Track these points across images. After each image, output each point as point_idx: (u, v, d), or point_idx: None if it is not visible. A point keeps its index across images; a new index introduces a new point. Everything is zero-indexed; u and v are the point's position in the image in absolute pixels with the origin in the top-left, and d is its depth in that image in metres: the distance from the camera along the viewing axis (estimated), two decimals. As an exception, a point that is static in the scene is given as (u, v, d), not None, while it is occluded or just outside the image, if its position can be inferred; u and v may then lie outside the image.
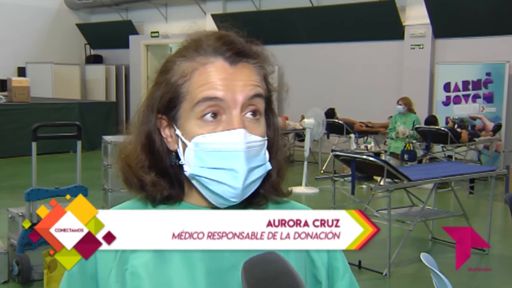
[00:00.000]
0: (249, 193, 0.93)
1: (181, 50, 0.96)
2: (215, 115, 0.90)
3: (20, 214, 4.22)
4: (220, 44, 0.92)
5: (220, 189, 0.90)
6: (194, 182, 0.93)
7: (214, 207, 0.95)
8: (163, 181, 0.95)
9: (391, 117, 8.75)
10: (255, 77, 0.93)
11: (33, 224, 3.70)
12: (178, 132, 0.93)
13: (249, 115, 0.92)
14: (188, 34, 0.97)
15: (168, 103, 0.93)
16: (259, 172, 0.92)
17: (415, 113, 8.34)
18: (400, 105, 8.23)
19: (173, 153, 0.96)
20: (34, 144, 4.26)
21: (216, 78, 0.90)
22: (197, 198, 0.96)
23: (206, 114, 0.90)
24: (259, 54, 0.95)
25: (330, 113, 9.95)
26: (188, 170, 0.92)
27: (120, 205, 1.01)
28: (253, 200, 0.97)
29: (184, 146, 0.92)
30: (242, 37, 0.95)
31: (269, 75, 0.97)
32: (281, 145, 1.00)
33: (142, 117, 0.97)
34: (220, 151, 0.89)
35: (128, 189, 0.98)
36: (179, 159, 0.94)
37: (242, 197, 0.92)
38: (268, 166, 0.94)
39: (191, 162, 0.91)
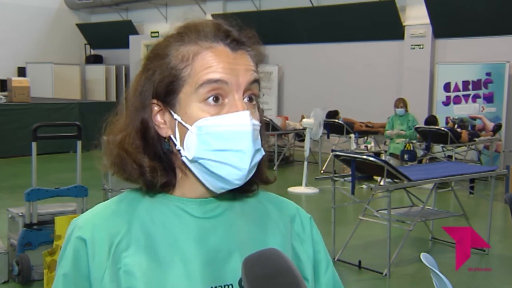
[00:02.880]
0: (249, 177, 0.93)
1: (175, 35, 0.95)
2: (217, 98, 0.90)
3: (20, 214, 4.21)
4: (219, 31, 0.93)
5: (225, 171, 0.90)
6: (193, 167, 0.93)
7: (207, 196, 0.96)
8: (160, 167, 0.95)
9: (390, 117, 8.76)
10: (253, 64, 0.95)
11: (33, 224, 3.71)
12: (176, 117, 0.92)
13: (246, 100, 0.93)
14: (179, 24, 0.97)
15: (166, 88, 0.93)
16: (259, 156, 0.93)
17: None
18: (402, 107, 8.24)
19: (166, 139, 0.95)
20: (34, 144, 4.25)
21: (219, 61, 0.91)
22: (190, 186, 0.96)
23: (209, 97, 0.90)
24: (253, 43, 0.97)
25: (333, 114, 9.96)
26: (188, 155, 0.91)
27: (114, 199, 1.01)
28: (245, 188, 0.97)
29: (183, 130, 0.92)
30: (234, 26, 0.96)
31: (259, 64, 0.98)
32: (265, 133, 1.01)
33: (135, 104, 0.95)
34: (226, 132, 0.89)
35: (124, 176, 0.96)
36: (174, 145, 0.94)
37: (245, 180, 0.92)
38: (263, 152, 0.95)
39: (193, 146, 0.90)
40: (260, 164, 0.96)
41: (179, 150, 0.93)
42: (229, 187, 0.93)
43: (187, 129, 0.91)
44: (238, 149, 0.89)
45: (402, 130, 8.28)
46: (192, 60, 0.92)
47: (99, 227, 0.94)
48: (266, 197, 1.06)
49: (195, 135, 0.90)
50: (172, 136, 0.94)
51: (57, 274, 0.95)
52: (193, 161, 0.91)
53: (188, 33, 0.94)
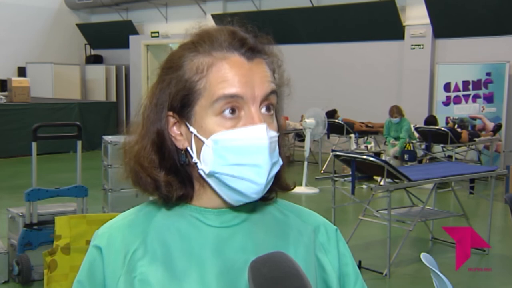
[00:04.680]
0: (267, 189, 0.92)
1: (189, 45, 0.93)
2: (233, 111, 0.89)
3: (20, 214, 4.21)
4: (234, 39, 0.91)
5: (242, 185, 0.89)
6: (210, 180, 0.92)
7: (225, 206, 0.95)
8: (176, 180, 0.94)
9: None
10: (269, 73, 0.93)
11: (33, 224, 3.72)
12: (192, 129, 0.91)
13: (264, 110, 0.91)
14: (194, 31, 0.95)
15: (181, 100, 0.91)
16: (276, 168, 0.92)
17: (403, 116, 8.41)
18: (396, 117, 8.28)
19: (183, 151, 0.94)
20: (34, 144, 4.25)
21: (235, 74, 0.89)
22: (208, 197, 0.95)
23: (225, 110, 0.88)
24: (269, 50, 0.95)
25: (332, 113, 9.95)
26: (205, 168, 0.90)
27: (133, 209, 1.00)
28: (264, 195, 0.95)
29: (200, 144, 0.90)
30: (249, 33, 0.94)
31: (276, 70, 0.96)
32: (284, 140, 1.00)
33: (151, 115, 0.94)
34: (243, 147, 0.88)
35: (141, 190, 0.96)
36: (191, 158, 0.93)
37: (263, 193, 0.91)
38: (280, 162, 0.93)
39: (209, 160, 0.89)
40: (279, 172, 0.95)
41: (196, 163, 0.92)
42: (246, 200, 0.92)
43: (203, 142, 0.89)
44: (255, 164, 0.88)
45: (398, 137, 8.32)
46: (207, 72, 0.89)
47: (115, 236, 0.95)
48: (288, 207, 1.04)
49: (211, 148, 0.89)
50: (189, 149, 0.93)
51: (74, 282, 0.97)
52: (210, 175, 0.90)
53: (202, 42, 0.92)
